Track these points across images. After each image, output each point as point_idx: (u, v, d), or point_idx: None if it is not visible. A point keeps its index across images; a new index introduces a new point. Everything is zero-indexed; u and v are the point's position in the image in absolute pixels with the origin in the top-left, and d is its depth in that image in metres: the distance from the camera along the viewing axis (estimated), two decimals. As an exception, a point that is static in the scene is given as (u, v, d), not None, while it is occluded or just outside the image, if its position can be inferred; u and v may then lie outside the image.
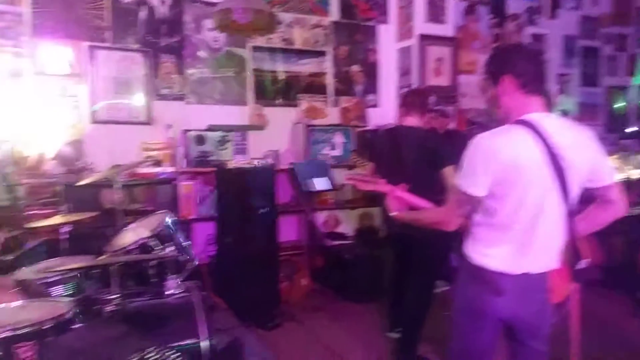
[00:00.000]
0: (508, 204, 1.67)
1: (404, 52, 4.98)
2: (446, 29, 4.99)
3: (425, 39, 4.83)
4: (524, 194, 1.64)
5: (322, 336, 3.42)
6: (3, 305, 2.03)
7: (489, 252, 1.73)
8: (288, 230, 4.66)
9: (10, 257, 2.89)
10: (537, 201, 1.65)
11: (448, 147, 2.99)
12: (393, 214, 2.11)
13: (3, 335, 1.72)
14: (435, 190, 2.68)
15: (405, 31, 4.96)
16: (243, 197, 3.71)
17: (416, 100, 3.13)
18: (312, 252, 4.48)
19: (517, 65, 1.71)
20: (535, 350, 1.82)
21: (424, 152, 2.94)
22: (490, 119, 5.14)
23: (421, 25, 4.82)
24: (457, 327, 1.89)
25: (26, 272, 2.44)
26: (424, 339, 3.07)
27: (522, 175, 1.62)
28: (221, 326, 2.52)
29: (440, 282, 3.90)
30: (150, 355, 1.50)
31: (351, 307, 4.01)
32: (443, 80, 4.98)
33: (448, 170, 2.79)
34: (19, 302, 2.08)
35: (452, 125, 4.85)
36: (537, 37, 5.92)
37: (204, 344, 2.09)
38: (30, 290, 2.28)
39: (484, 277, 1.73)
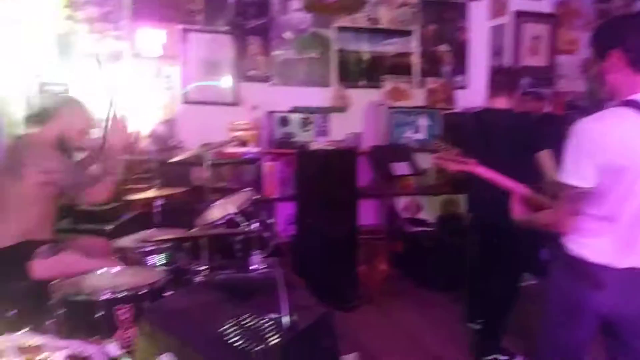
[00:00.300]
0: (615, 194, 1.52)
1: (497, 30, 4.68)
2: (544, 5, 4.63)
3: (521, 15, 4.52)
4: (633, 182, 1.49)
5: (400, 321, 3.36)
6: (104, 270, 2.18)
7: (590, 243, 1.59)
8: (368, 214, 4.60)
9: (109, 226, 3.10)
10: None
11: (542, 130, 2.80)
12: (517, 217, 1.93)
13: (105, 297, 1.85)
14: (530, 178, 2.49)
15: (498, 8, 4.66)
16: (323, 179, 3.70)
17: (505, 80, 2.91)
18: (391, 237, 4.39)
19: (628, 39, 1.53)
20: (638, 350, 1.64)
21: (516, 136, 2.74)
22: (592, 103, 4.73)
23: (517, 1, 4.50)
24: (549, 322, 1.76)
25: (125, 241, 2.60)
26: (508, 332, 2.93)
27: (631, 163, 1.48)
28: (302, 304, 2.53)
29: (528, 276, 3.68)
30: (245, 321, 1.53)
31: (430, 294, 3.91)
32: (539, 61, 4.65)
33: (543, 155, 2.61)
34: (117, 268, 2.22)
35: (548, 109, 4.51)
36: (651, 12, 5.32)
37: (285, 320, 2.11)
38: (128, 258, 2.43)
39: (582, 269, 1.60)
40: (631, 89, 1.53)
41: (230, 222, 2.68)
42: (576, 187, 1.53)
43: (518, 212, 1.93)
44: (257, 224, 2.72)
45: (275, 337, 1.50)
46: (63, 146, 2.41)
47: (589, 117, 1.54)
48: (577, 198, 1.56)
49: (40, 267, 2.23)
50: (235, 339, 1.49)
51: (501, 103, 2.88)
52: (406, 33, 4.70)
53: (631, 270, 1.55)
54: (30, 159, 2.29)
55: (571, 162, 1.54)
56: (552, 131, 2.69)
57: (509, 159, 2.57)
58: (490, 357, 2.98)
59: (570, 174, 1.54)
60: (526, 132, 2.76)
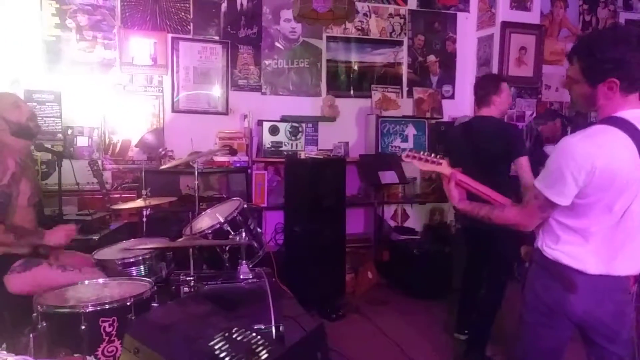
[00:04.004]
0: (595, 210, 1.55)
1: (485, 41, 4.75)
2: (531, 16, 4.69)
3: (509, 26, 4.57)
4: (615, 199, 1.52)
5: (386, 330, 3.38)
6: (88, 282, 2.17)
7: (566, 249, 1.62)
8: (355, 222, 4.63)
9: (95, 237, 3.09)
10: (627, 204, 1.53)
11: (521, 137, 2.89)
12: (454, 204, 1.92)
13: (88, 309, 1.85)
14: (509, 182, 2.75)
15: (486, 18, 4.73)
16: (312, 188, 3.72)
17: (489, 89, 2.94)
18: (378, 246, 4.42)
19: (625, 68, 1.50)
20: (614, 354, 1.67)
21: (498, 142, 2.79)
22: (575, 113, 4.81)
23: (505, 12, 4.57)
24: (526, 326, 1.78)
25: (111, 251, 2.59)
26: (492, 340, 2.97)
27: (615, 181, 1.50)
28: (292, 315, 2.55)
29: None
30: (236, 335, 1.52)
31: (417, 303, 3.93)
32: (526, 71, 4.70)
33: (522, 161, 2.67)
34: (102, 280, 2.22)
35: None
36: (635, 24, 5.42)
37: (274, 330, 2.12)
38: (111, 269, 2.42)
39: (558, 272, 1.63)
40: (616, 107, 1.55)
41: (218, 231, 2.68)
42: (552, 202, 1.56)
43: (456, 198, 1.90)
44: (246, 234, 2.73)
45: (266, 351, 1.48)
46: (23, 130, 2.44)
47: (575, 136, 1.54)
48: (549, 209, 1.60)
49: (16, 281, 2.22)
50: (225, 354, 1.46)
51: (487, 111, 2.94)
52: (396, 43, 4.75)
53: (604, 277, 1.58)
54: None
55: (554, 178, 1.55)
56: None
57: (493, 164, 2.70)
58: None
59: (550, 188, 1.56)
60: (508, 137, 2.82)
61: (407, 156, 2.03)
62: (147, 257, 2.48)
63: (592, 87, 1.56)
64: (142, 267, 2.47)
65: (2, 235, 2.24)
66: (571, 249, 1.61)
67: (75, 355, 1.36)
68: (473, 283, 3.20)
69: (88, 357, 1.32)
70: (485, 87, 2.97)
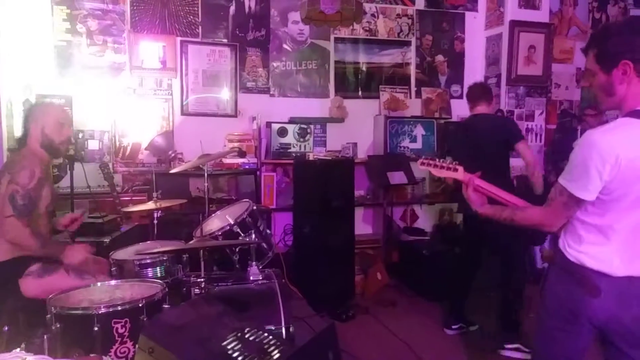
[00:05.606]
0: (620, 207, 1.52)
1: (493, 40, 4.73)
2: (540, 15, 4.66)
3: (517, 25, 4.54)
4: (639, 195, 1.50)
5: (396, 331, 3.37)
6: (100, 283, 2.19)
7: (590, 251, 1.59)
8: (364, 223, 4.64)
9: (106, 239, 3.12)
10: None
11: (515, 125, 3.29)
12: (476, 209, 1.90)
13: (101, 311, 1.86)
14: (508, 170, 3.22)
15: (495, 18, 4.71)
16: (320, 189, 3.73)
17: (480, 92, 3.32)
18: (388, 247, 4.42)
19: (638, 47, 1.50)
20: None
21: (496, 133, 3.12)
22: (586, 112, 4.77)
23: (514, 11, 4.55)
24: (544, 330, 1.74)
25: (123, 253, 2.61)
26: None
27: None
28: (302, 315, 2.55)
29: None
30: (248, 335, 1.53)
31: (426, 303, 3.92)
32: (535, 70, 4.67)
33: (522, 144, 3.04)
34: (113, 281, 2.24)
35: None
36: (646, 21, 5.36)
37: (284, 331, 2.12)
38: (125, 271, 2.44)
39: (580, 275, 1.59)
40: (638, 100, 1.53)
41: (228, 233, 2.70)
42: (577, 197, 1.54)
43: (477, 203, 1.89)
44: (256, 235, 2.74)
45: (278, 351, 1.49)
46: (51, 148, 2.47)
47: (599, 130, 1.52)
48: (574, 206, 1.57)
49: (31, 286, 2.24)
50: (237, 354, 1.47)
51: (481, 109, 3.29)
52: (404, 44, 4.75)
53: (629, 279, 1.55)
54: (10, 169, 2.32)
55: (578, 173, 1.53)
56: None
57: (493, 155, 3.06)
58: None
59: (575, 183, 1.53)
60: (504, 126, 3.21)
61: (422, 163, 2.02)
62: (161, 259, 2.51)
63: (608, 74, 1.56)
64: (158, 269, 2.49)
65: (27, 239, 2.28)
66: (595, 250, 1.58)
67: (92, 355, 1.38)
68: (471, 268, 3.40)
69: (104, 357, 1.34)
70: None
